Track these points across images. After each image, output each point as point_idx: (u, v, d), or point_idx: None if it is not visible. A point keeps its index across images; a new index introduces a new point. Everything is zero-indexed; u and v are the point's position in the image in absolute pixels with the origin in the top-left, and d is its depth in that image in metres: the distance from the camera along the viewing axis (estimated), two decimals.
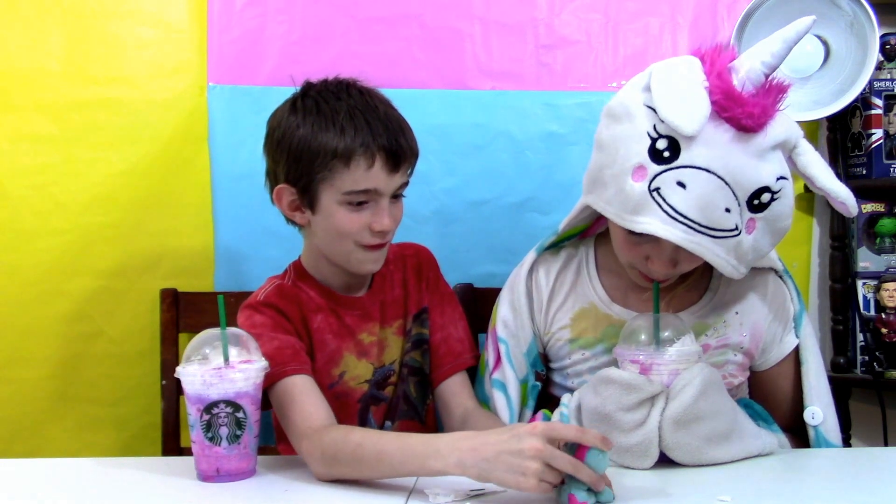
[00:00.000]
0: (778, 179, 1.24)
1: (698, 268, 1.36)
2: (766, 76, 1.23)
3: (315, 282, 1.42)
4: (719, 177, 1.19)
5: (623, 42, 1.88)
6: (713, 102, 1.20)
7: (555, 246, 1.48)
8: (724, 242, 1.22)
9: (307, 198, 1.33)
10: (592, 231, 1.49)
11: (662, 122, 1.20)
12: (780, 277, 1.44)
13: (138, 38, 1.82)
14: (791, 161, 1.28)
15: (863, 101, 1.88)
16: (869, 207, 1.91)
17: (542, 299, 1.45)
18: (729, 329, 1.39)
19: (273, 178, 1.38)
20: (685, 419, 1.20)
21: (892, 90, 1.88)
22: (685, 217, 1.20)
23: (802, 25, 1.24)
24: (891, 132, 1.88)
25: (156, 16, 1.83)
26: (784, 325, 1.42)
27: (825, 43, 1.82)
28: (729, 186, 1.20)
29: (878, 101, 1.88)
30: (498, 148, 1.85)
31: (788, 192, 1.27)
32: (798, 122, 1.83)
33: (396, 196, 1.36)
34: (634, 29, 1.88)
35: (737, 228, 1.22)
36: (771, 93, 1.23)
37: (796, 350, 1.42)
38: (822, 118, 1.86)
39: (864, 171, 1.90)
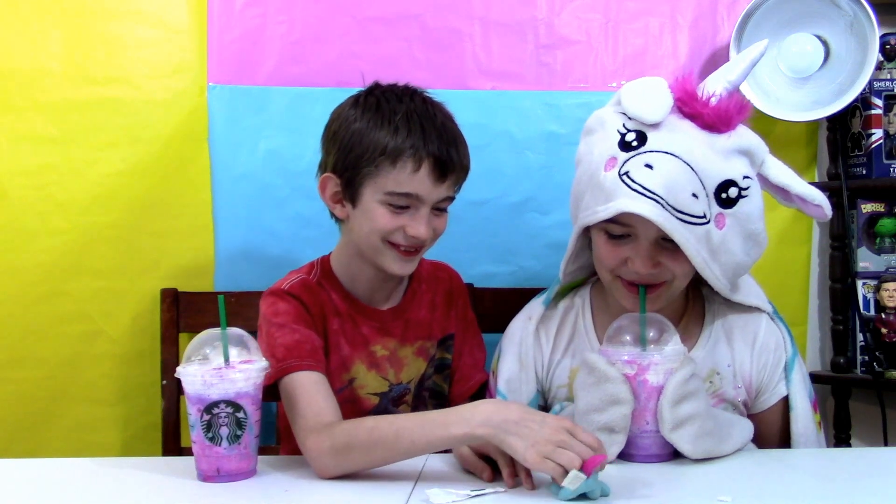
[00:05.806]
0: (744, 178, 1.28)
1: (689, 306, 1.41)
2: (729, 92, 1.30)
3: (339, 285, 1.42)
4: (684, 161, 1.25)
5: (623, 42, 1.88)
6: (676, 100, 1.29)
7: (558, 295, 1.48)
8: (694, 230, 1.24)
9: (350, 191, 1.34)
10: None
11: (630, 119, 1.29)
12: (773, 320, 1.43)
13: (138, 38, 1.82)
14: (762, 178, 1.34)
15: (863, 101, 1.88)
16: (869, 207, 1.91)
17: (545, 357, 1.46)
18: (724, 382, 1.39)
19: (322, 167, 1.40)
20: (679, 396, 1.21)
21: (892, 90, 1.88)
22: (653, 193, 1.22)
23: (757, 50, 1.34)
24: (891, 132, 1.88)
25: (156, 16, 1.83)
26: (776, 373, 1.41)
27: (825, 43, 1.82)
28: (694, 172, 1.25)
29: (878, 101, 1.88)
30: (498, 148, 1.85)
31: (756, 194, 1.31)
32: (798, 122, 1.86)
33: (440, 209, 1.36)
34: (634, 29, 1.88)
35: (705, 217, 1.25)
36: (733, 103, 1.30)
37: (786, 397, 1.41)
38: (822, 118, 1.86)
39: (864, 171, 1.89)
